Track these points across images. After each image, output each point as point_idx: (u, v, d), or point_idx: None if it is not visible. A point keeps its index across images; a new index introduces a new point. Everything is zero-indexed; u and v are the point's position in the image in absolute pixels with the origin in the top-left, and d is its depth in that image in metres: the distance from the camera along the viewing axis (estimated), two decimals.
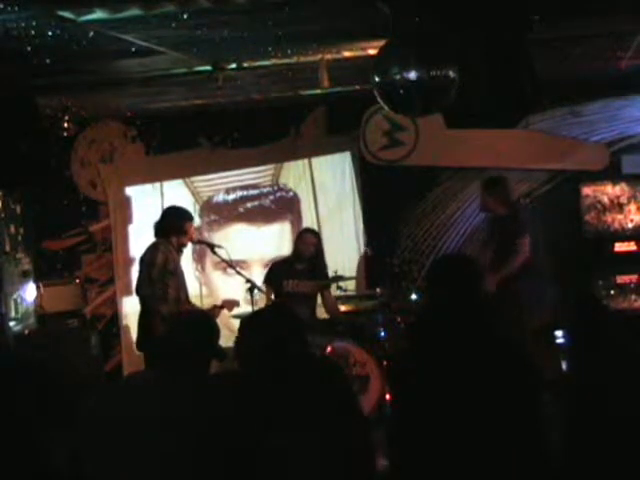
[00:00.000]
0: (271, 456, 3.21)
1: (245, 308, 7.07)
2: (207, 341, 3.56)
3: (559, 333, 5.13)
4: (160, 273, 6.44)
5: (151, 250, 6.58)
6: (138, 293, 6.64)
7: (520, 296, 6.94)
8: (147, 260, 6.54)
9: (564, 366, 4.23)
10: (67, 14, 4.57)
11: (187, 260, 8.07)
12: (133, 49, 5.57)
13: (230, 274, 7.73)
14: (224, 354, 3.61)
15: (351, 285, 8.13)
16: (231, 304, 7.00)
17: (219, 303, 7.05)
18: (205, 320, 3.72)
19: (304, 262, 7.36)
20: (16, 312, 8.19)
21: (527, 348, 5.09)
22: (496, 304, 6.45)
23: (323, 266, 7.48)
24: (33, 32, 4.87)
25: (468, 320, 3.23)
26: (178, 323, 3.77)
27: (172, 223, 6.65)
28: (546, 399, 3.28)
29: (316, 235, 7.55)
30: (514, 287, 6.89)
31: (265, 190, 9.03)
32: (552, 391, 3.71)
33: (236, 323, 7.80)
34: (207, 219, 9.03)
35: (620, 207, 8.32)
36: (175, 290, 6.52)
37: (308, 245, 7.32)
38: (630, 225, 8.32)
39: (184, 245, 6.73)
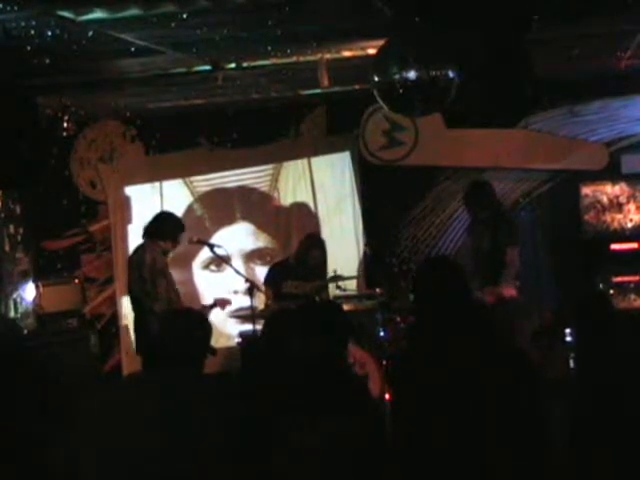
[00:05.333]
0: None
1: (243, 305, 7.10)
2: (202, 339, 3.58)
3: (567, 332, 5.14)
4: (150, 272, 6.47)
5: (138, 251, 6.67)
6: (130, 293, 6.70)
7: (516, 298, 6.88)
8: (135, 260, 6.62)
9: (572, 365, 4.23)
10: (67, 14, 4.57)
11: (178, 260, 8.09)
12: (133, 49, 5.56)
13: (225, 273, 7.72)
14: (214, 350, 3.63)
15: (351, 285, 8.10)
16: (224, 303, 7.02)
17: (210, 302, 7.06)
18: (199, 318, 3.73)
19: (305, 264, 7.31)
20: (15, 312, 8.20)
21: (526, 348, 5.08)
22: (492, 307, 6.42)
23: (324, 274, 7.37)
24: (33, 32, 4.86)
25: (466, 321, 3.23)
26: (172, 323, 3.76)
27: (167, 230, 6.68)
28: (548, 398, 3.28)
29: (322, 247, 7.30)
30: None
31: (265, 190, 9.03)
32: (557, 391, 3.71)
33: (233, 322, 7.85)
34: (206, 218, 9.02)
35: (619, 207, 8.32)
36: (165, 291, 6.54)
37: (316, 259, 7.17)
38: (629, 225, 8.32)
39: (170, 250, 6.79)
